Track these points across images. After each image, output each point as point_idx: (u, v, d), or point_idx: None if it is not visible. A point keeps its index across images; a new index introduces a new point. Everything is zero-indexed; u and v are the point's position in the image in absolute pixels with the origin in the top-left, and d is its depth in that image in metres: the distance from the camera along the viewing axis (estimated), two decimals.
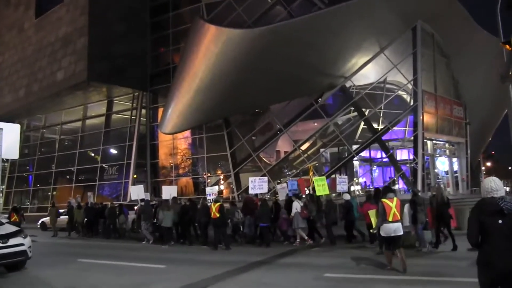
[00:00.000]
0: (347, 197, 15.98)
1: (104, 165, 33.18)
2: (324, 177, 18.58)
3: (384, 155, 28.75)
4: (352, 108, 29.16)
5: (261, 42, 22.18)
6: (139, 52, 31.56)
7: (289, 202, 16.33)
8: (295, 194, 16.85)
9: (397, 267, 9.63)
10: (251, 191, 17.72)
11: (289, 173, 30.71)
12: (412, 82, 26.35)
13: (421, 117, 25.48)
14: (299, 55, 23.20)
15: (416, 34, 25.96)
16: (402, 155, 30.80)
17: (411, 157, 26.53)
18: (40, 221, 26.81)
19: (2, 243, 10.85)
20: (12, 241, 11.16)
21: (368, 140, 27.57)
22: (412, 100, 27.55)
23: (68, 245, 19.88)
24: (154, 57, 33.24)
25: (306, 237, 15.49)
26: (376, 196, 13.49)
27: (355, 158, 29.21)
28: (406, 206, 12.25)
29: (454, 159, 30.73)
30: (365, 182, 32.46)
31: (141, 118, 32.79)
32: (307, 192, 17.82)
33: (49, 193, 35.96)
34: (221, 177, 31.08)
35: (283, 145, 32.15)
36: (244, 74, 23.16)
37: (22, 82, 34.99)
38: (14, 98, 35.71)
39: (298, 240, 15.64)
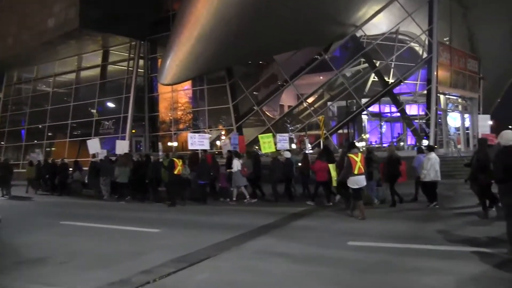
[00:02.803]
0: (287, 155, 16.03)
1: (100, 119, 31.72)
2: (271, 134, 18.70)
3: (393, 110, 27.50)
4: (362, 60, 27.70)
5: None
6: None
7: (229, 158, 16.27)
8: (235, 152, 16.81)
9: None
10: (190, 147, 17.41)
11: (293, 128, 29.47)
12: (427, 33, 24.76)
13: (435, 70, 24.06)
14: (307, 1, 21.59)
15: None
16: (411, 110, 29.47)
17: (421, 112, 25.32)
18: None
19: None
20: None
21: (378, 93, 26.19)
22: (424, 53, 26.13)
23: (47, 204, 18.61)
24: (153, 4, 30.81)
25: (247, 196, 15.66)
26: (327, 153, 14.30)
27: (364, 113, 27.88)
28: None
29: (466, 115, 29.46)
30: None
31: (139, 69, 31.03)
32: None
33: (43, 149, 34.57)
34: (223, 132, 29.82)
35: (287, 98, 30.83)
36: (248, 20, 21.54)
37: (10, 30, 32.87)
38: (1, 47, 33.61)
39: (234, 198, 15.71)
